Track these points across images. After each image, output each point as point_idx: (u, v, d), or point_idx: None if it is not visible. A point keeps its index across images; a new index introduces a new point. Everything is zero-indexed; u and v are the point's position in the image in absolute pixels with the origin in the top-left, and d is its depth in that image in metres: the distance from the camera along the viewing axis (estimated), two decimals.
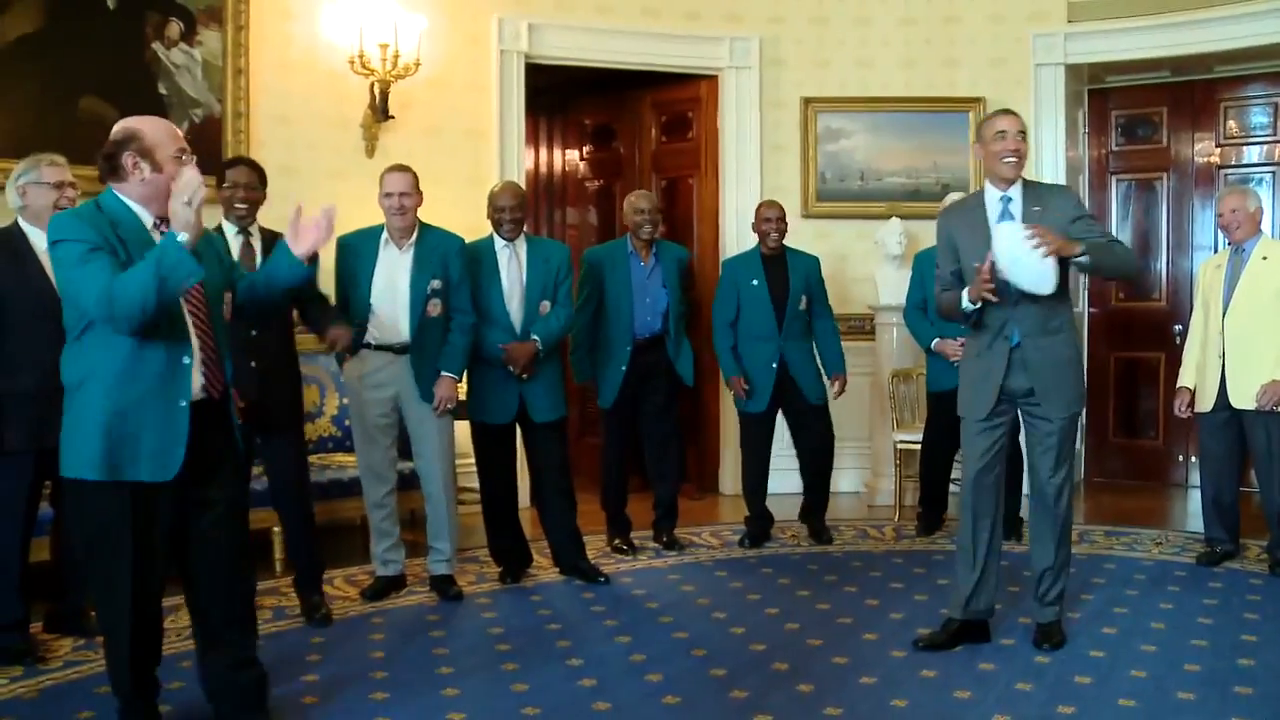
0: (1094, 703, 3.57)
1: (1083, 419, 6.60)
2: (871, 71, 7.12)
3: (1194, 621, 4.42)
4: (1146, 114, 7.48)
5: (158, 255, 2.91)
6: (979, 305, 3.90)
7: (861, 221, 7.03)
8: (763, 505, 5.78)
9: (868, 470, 6.97)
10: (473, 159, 6.50)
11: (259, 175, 4.40)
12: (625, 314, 5.47)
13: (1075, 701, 3.57)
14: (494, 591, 4.92)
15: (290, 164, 5.88)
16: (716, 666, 3.91)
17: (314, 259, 3.37)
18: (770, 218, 5.66)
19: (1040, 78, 6.98)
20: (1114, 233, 6.77)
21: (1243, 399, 5.08)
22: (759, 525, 5.77)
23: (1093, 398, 6.60)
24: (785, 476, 6.04)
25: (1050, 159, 6.95)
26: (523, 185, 5.72)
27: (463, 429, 5.15)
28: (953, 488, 6.08)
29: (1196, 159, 7.35)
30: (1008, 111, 4.06)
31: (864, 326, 6.96)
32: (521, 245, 5.00)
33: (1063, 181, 6.64)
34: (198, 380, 3.11)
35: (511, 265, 4.95)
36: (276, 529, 5.04)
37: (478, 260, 4.89)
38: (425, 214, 4.88)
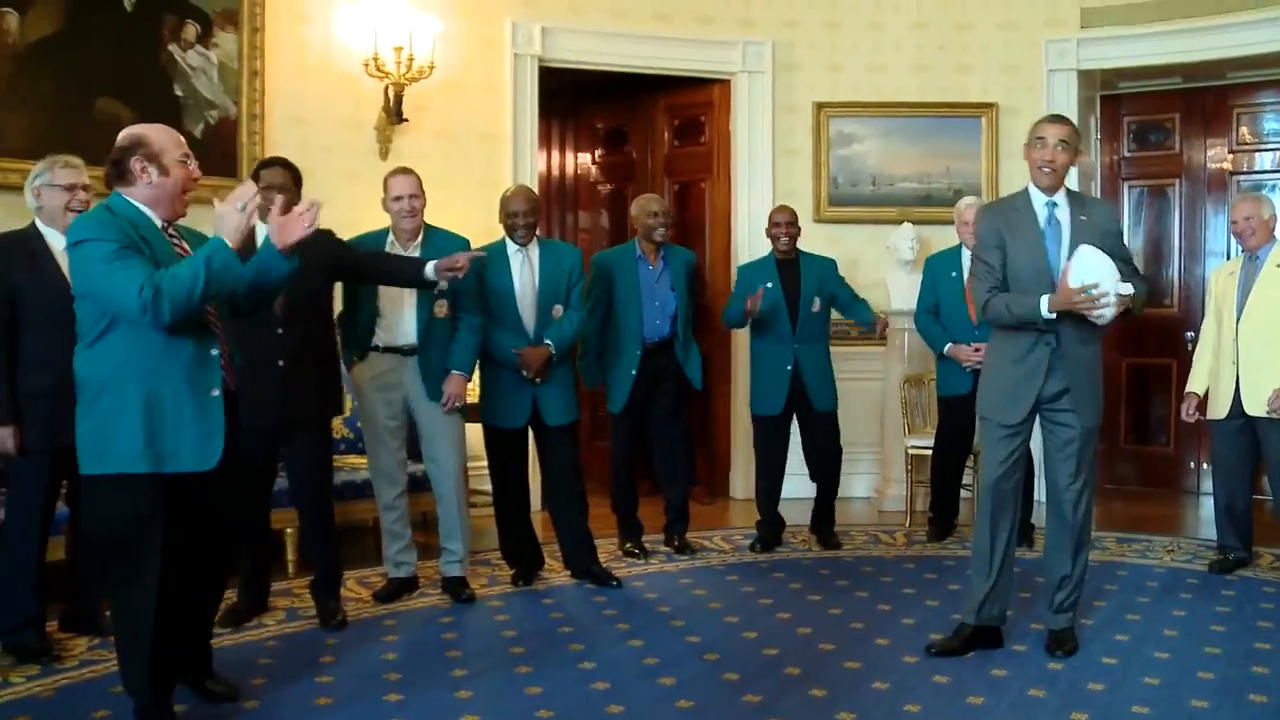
0: (1107, 709, 3.57)
1: None
2: (884, 77, 7.12)
3: (1207, 629, 4.41)
4: (1159, 120, 7.48)
5: (207, 255, 3.03)
6: (1054, 316, 3.84)
7: (873, 226, 7.03)
8: (775, 510, 5.78)
9: (878, 475, 6.98)
10: (486, 162, 6.52)
11: (293, 176, 4.41)
12: (634, 318, 5.48)
13: (1088, 708, 3.57)
14: (506, 594, 4.93)
15: (304, 166, 5.77)
16: (729, 671, 3.91)
17: (293, 254, 3.34)
18: (780, 222, 5.67)
19: (1053, 84, 6.98)
20: (1126, 240, 6.76)
21: (1257, 406, 5.08)
22: (770, 530, 5.77)
23: (1104, 403, 6.58)
24: (796, 481, 6.04)
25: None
26: (535, 189, 5.73)
27: (474, 432, 5.17)
28: (963, 493, 6.10)
29: (1209, 165, 7.35)
30: (1054, 118, 4.04)
31: (875, 332, 6.94)
32: (534, 249, 5.01)
33: (1074, 188, 6.63)
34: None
35: (524, 269, 4.96)
36: (290, 530, 5.06)
37: (489, 264, 4.89)
38: (438, 217, 4.90)
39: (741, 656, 4.08)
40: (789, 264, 5.68)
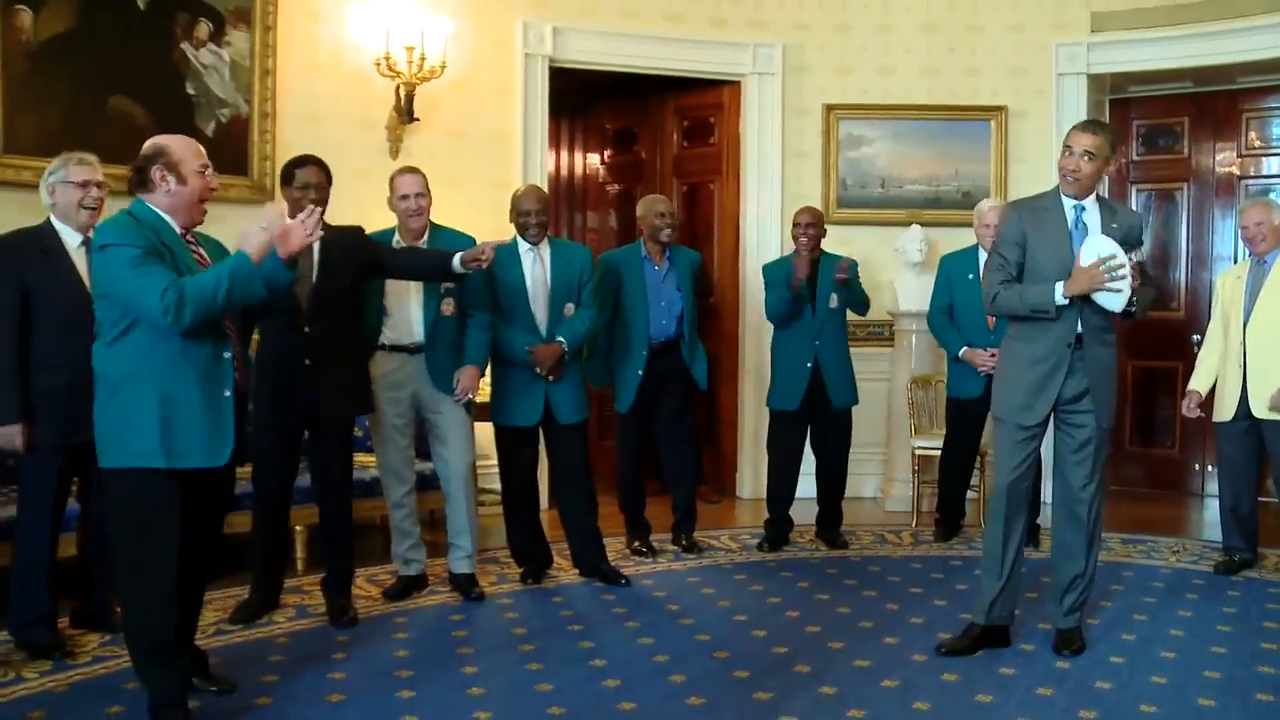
0: (1115, 708, 3.59)
1: None
2: (893, 79, 7.14)
3: (1213, 629, 4.43)
4: (1168, 124, 7.48)
5: (231, 268, 3.19)
6: (1066, 303, 3.85)
7: (882, 228, 7.04)
8: (785, 511, 5.79)
9: (882, 476, 6.99)
10: (496, 162, 6.54)
11: (326, 175, 4.44)
12: (641, 318, 5.50)
13: (1097, 707, 3.59)
14: (515, 592, 4.95)
15: None
16: (739, 668, 3.93)
17: (294, 263, 3.40)
18: (800, 224, 5.70)
19: (1063, 87, 7.00)
20: None
21: (1264, 408, 5.09)
22: (778, 529, 5.79)
23: None
24: (802, 481, 6.04)
25: None
26: (544, 189, 5.75)
27: (484, 431, 5.19)
28: (969, 494, 6.11)
29: (1218, 169, 7.36)
30: (1085, 126, 4.04)
31: (883, 333, 6.98)
32: (545, 248, 5.03)
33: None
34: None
35: (536, 268, 4.98)
36: (299, 527, 5.08)
37: (501, 263, 4.91)
38: (447, 216, 4.92)
39: (751, 654, 4.10)
40: (810, 264, 5.69)
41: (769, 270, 5.85)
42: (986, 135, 7.05)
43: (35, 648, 3.94)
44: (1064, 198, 4.01)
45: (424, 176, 4.78)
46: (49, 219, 4.06)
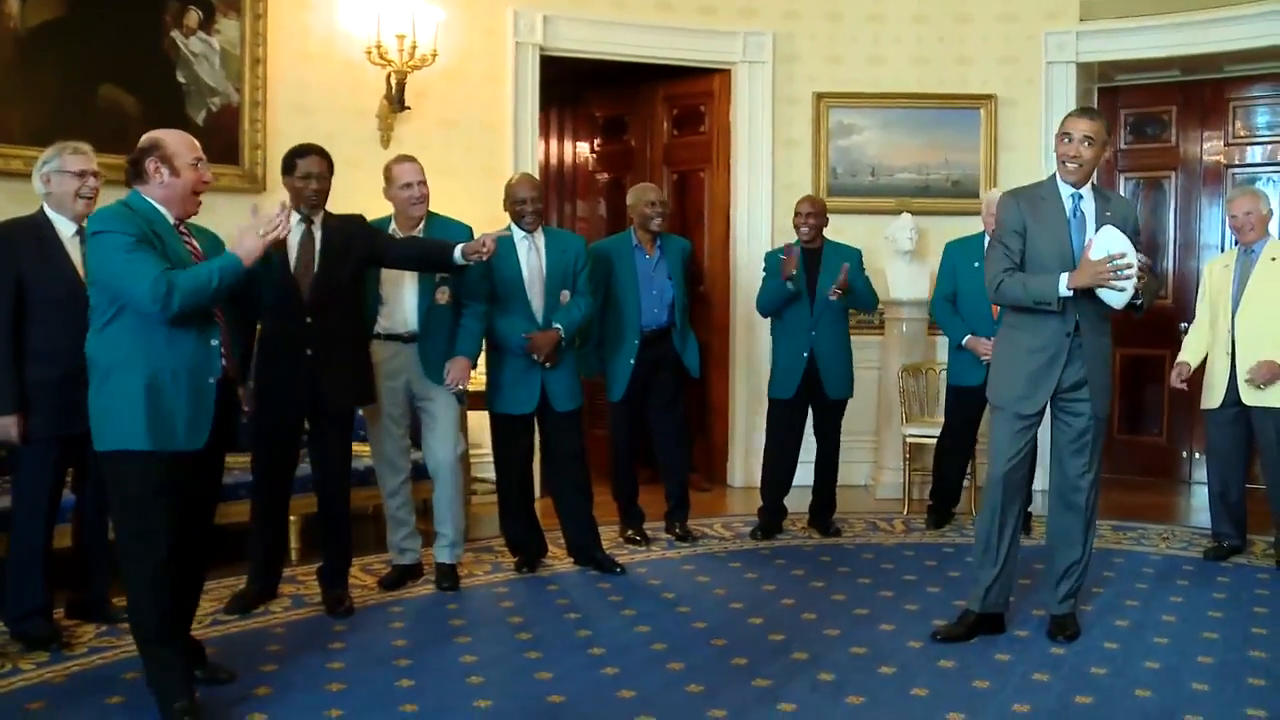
0: (1111, 692, 3.63)
1: None
2: (884, 68, 7.15)
3: (1204, 615, 4.48)
4: (1156, 113, 7.52)
5: (220, 266, 3.32)
6: (1070, 295, 3.86)
7: (872, 217, 7.05)
8: (779, 500, 5.81)
9: (873, 463, 7.02)
10: (487, 151, 6.53)
11: (328, 164, 4.41)
12: (632, 307, 5.50)
13: (1093, 692, 3.62)
14: (510, 581, 4.95)
15: None
16: (737, 656, 3.95)
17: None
18: (801, 212, 5.71)
19: (1051, 76, 7.03)
20: None
21: (1252, 395, 5.14)
22: (771, 518, 5.81)
23: None
24: (801, 469, 6.05)
25: None
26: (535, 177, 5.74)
27: (479, 420, 5.18)
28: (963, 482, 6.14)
29: (1205, 158, 7.40)
30: (1081, 112, 4.03)
31: (873, 321, 6.99)
32: (540, 236, 5.03)
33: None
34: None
35: (531, 256, 4.98)
36: (293, 518, 5.07)
37: (497, 252, 4.90)
38: (440, 205, 4.90)
39: (748, 641, 4.12)
40: (811, 253, 5.70)
41: (771, 258, 5.86)
42: (976, 124, 7.07)
43: (31, 639, 3.93)
44: (1061, 186, 4.02)
45: (421, 165, 4.77)
46: (42, 208, 4.03)
